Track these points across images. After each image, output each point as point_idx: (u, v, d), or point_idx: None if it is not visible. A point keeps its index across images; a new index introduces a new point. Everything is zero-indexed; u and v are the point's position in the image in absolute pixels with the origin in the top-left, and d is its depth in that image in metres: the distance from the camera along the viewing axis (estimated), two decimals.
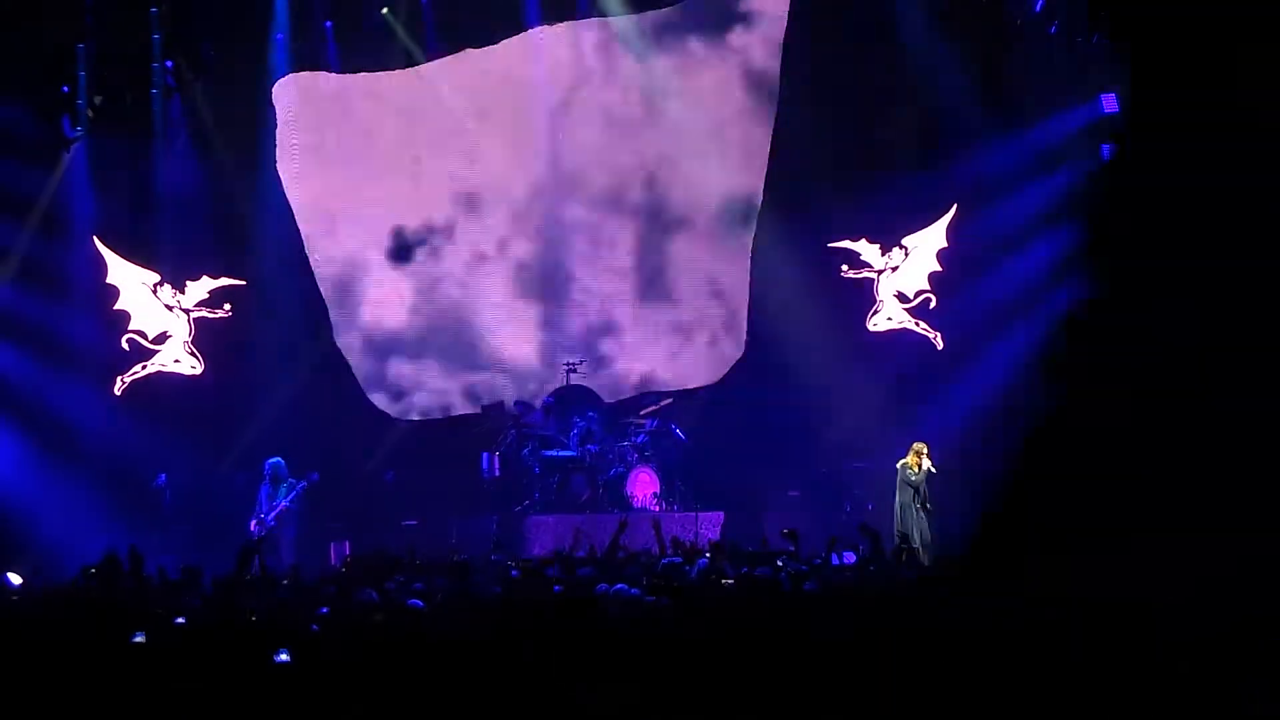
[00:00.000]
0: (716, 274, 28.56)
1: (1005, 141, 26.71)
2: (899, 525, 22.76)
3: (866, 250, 27.47)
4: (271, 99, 26.95)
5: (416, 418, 27.90)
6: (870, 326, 27.54)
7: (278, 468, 23.57)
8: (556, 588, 13.47)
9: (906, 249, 27.45)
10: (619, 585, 12.80)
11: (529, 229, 28.25)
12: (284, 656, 9.55)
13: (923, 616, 10.83)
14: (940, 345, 27.29)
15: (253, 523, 23.21)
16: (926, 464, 23.30)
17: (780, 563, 15.94)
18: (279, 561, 21.68)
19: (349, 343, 27.85)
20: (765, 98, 27.86)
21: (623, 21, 27.74)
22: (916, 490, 23.18)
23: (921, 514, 23.04)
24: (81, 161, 25.52)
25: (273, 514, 23.42)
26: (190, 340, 26.30)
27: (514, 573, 14.26)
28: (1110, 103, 26.54)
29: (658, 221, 28.46)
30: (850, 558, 17.04)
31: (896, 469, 23.49)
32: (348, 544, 24.38)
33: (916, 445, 23.49)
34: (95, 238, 25.92)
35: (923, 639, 9.72)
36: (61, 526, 23.42)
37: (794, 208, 27.49)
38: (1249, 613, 9.46)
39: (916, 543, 21.87)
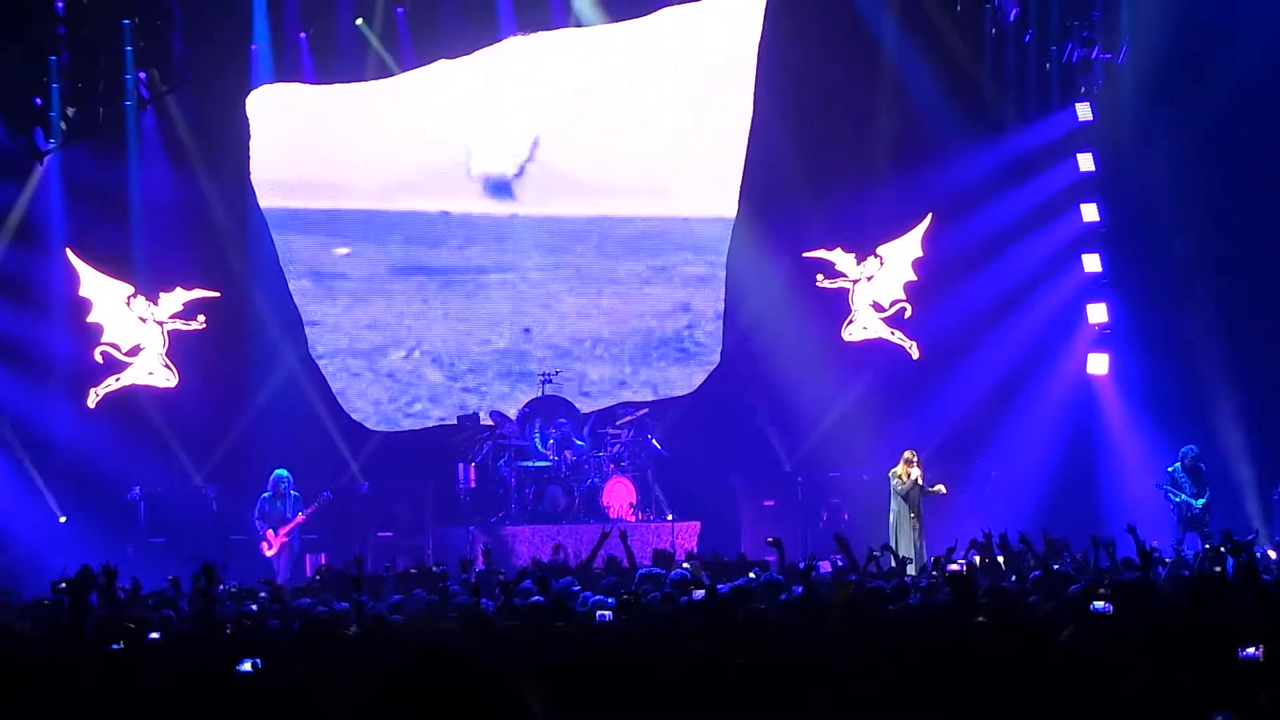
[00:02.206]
0: (691, 284, 28.56)
1: (980, 150, 26.78)
2: (891, 535, 22.62)
3: (842, 260, 27.47)
4: (245, 110, 26.90)
5: (392, 429, 27.84)
6: (845, 336, 27.54)
7: (286, 481, 23.80)
8: (537, 598, 13.42)
9: (882, 258, 27.46)
10: (597, 598, 12.76)
11: (502, 240, 28.22)
12: (246, 666, 9.48)
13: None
14: (916, 354, 27.30)
15: (268, 534, 23.45)
16: (915, 473, 23.18)
17: (753, 574, 15.90)
18: (285, 571, 21.98)
19: (324, 354, 27.79)
20: (740, 107, 27.82)
21: (596, 29, 27.71)
22: (905, 499, 23.11)
23: (911, 525, 22.91)
24: (54, 173, 25.43)
25: (291, 526, 23.58)
26: (164, 352, 26.19)
27: (495, 591, 14.19)
28: (1084, 112, 26.67)
29: (632, 230, 28.45)
30: (826, 568, 17.02)
31: (888, 478, 23.45)
32: (323, 555, 24.35)
33: (906, 454, 23.40)
34: (68, 250, 25.82)
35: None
36: (34, 540, 23.31)
37: (769, 217, 27.48)
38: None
39: (910, 554, 21.76)
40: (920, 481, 23.16)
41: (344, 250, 27.88)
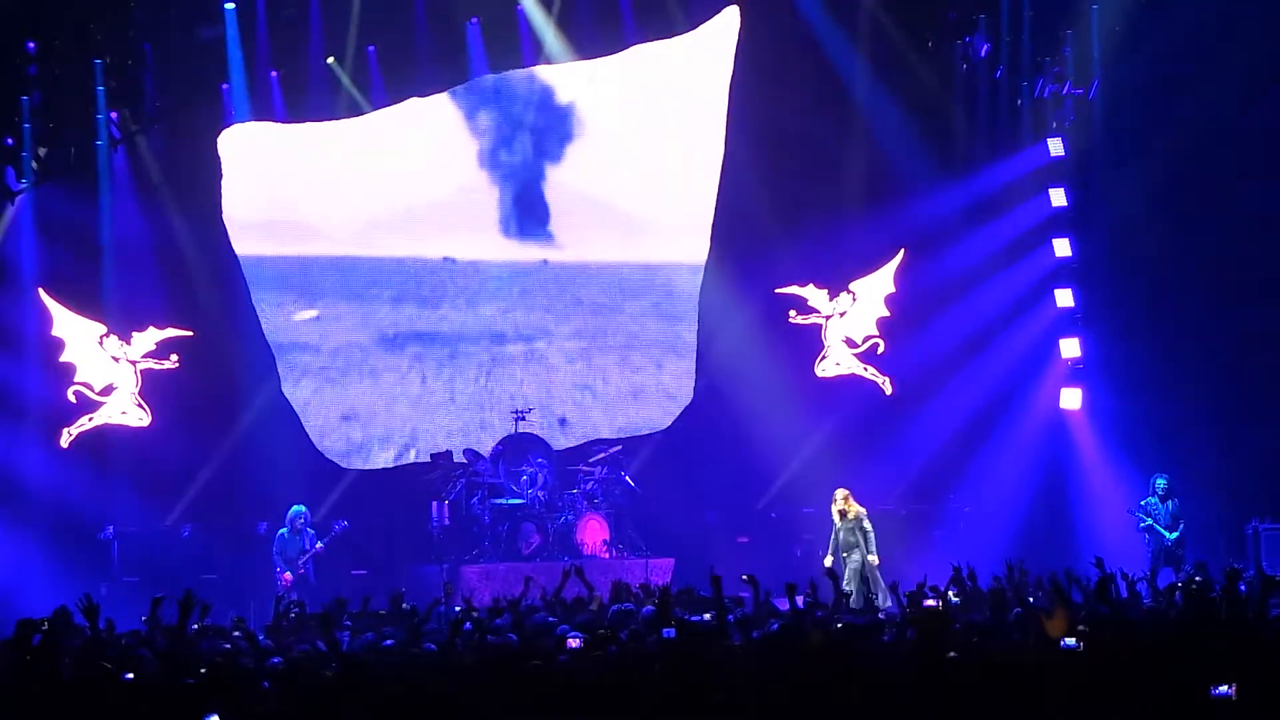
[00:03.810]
0: (664, 320, 28.56)
1: (952, 186, 26.83)
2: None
3: (814, 296, 27.49)
4: (217, 149, 26.88)
5: (365, 467, 27.78)
6: (818, 372, 27.55)
7: (302, 517, 23.67)
8: (512, 635, 13.37)
9: (854, 294, 27.49)
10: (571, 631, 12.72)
11: (474, 279, 28.23)
12: (213, 718, 9.42)
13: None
14: (888, 390, 27.31)
15: (286, 573, 23.38)
16: (842, 510, 22.92)
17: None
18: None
19: (296, 392, 27.73)
20: (712, 145, 27.87)
21: (566, 69, 27.77)
22: (835, 536, 23.03)
23: (843, 561, 22.72)
24: (27, 213, 25.38)
25: (308, 558, 23.46)
26: (137, 392, 26.13)
27: (466, 625, 14.14)
28: (1055, 147, 26.73)
29: (605, 268, 28.47)
30: (783, 604, 16.97)
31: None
32: (295, 593, 24.24)
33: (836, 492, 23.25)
34: (40, 290, 25.77)
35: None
36: (6, 581, 23.22)
37: (742, 254, 27.53)
38: None
39: (851, 588, 21.66)
40: (851, 523, 22.87)
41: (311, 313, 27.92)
